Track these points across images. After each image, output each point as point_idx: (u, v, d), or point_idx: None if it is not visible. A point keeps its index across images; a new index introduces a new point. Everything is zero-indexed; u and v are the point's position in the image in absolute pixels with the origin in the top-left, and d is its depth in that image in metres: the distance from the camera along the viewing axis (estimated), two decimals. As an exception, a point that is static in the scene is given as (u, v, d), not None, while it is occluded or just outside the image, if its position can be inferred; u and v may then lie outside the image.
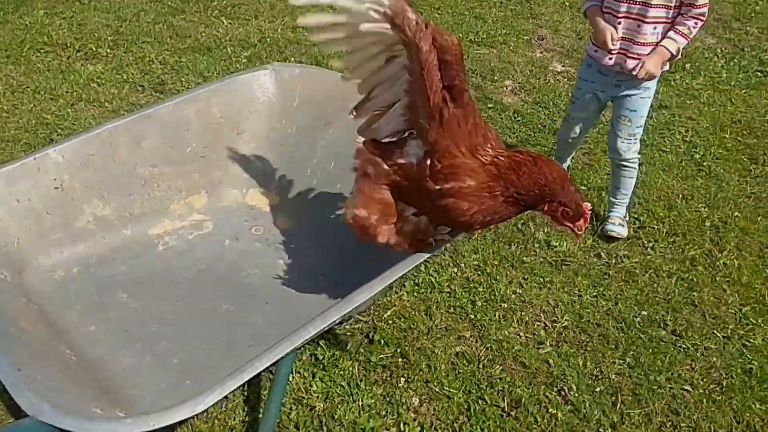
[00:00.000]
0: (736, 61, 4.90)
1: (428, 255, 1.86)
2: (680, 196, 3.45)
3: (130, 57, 4.31)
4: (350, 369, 2.30)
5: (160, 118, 2.38)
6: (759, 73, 4.81)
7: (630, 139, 2.86)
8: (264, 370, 1.55)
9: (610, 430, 2.21)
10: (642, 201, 3.37)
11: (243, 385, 1.56)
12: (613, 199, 3.09)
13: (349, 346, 2.39)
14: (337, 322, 1.78)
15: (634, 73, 2.63)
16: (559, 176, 1.59)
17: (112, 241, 2.27)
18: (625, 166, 2.95)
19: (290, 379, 2.23)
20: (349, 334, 2.45)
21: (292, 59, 4.40)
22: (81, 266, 2.18)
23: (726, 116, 4.31)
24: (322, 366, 2.31)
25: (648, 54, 2.63)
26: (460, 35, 5.22)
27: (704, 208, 3.37)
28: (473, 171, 1.58)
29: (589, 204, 1.65)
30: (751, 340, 2.59)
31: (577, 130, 3.08)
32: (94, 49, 4.37)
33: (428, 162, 1.63)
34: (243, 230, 2.45)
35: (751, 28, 5.38)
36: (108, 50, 4.37)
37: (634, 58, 2.65)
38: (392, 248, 1.83)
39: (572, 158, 3.45)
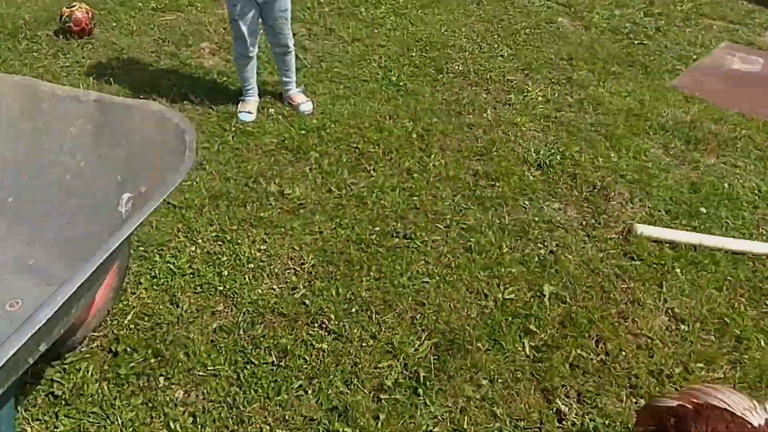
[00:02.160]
0: (406, -14, 5.39)
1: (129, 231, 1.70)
2: (387, 117, 3.75)
3: None
4: (99, 392, 2.11)
5: None
6: (427, -7, 5.36)
7: (289, 33, 3.54)
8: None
9: (372, 341, 2.39)
10: (357, 130, 3.59)
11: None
12: (288, 79, 3.76)
13: (91, 369, 2.18)
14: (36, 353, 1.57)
15: None
16: None
17: None
18: (289, 53, 3.65)
19: None
20: (88, 356, 2.23)
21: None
22: None
23: (410, 37, 4.76)
24: (64, 402, 2.08)
25: None
26: (140, 4, 4.89)
27: (409, 122, 3.72)
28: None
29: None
30: (466, 222, 2.98)
31: (249, 40, 3.47)
32: None
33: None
34: None
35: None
36: None
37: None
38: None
39: (257, 67, 3.74)
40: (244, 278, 2.62)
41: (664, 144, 3.67)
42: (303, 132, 3.55)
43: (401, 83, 4.13)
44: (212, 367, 2.25)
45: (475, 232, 2.92)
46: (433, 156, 3.43)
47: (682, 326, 2.51)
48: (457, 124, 3.73)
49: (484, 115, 3.85)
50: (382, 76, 4.19)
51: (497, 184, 3.24)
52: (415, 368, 2.27)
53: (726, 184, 3.32)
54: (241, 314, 2.46)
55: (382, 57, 4.43)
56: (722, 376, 2.33)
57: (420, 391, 2.19)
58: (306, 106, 3.76)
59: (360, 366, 2.28)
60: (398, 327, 2.44)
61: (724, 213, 3.12)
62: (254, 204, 3.02)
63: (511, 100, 4.02)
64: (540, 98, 4.06)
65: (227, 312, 2.48)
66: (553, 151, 3.51)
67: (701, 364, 2.36)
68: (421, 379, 2.23)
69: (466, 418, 2.11)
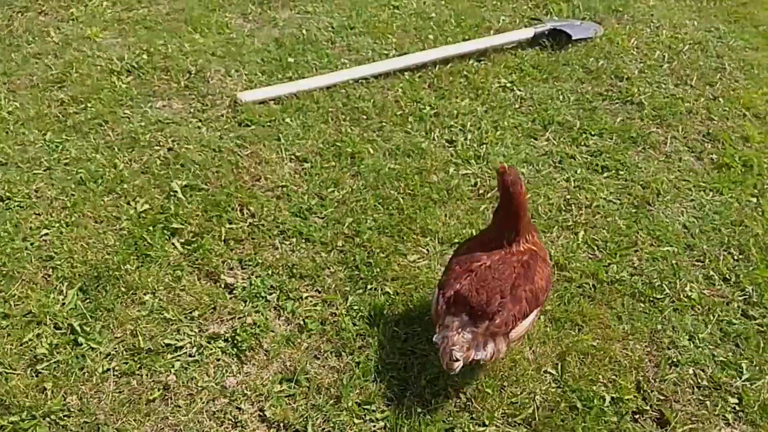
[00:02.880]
0: None
1: None
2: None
3: None
4: None
5: None
6: None
7: None
8: None
9: (4, 321, 2.06)
10: None
11: None
12: None
13: None
14: None
15: None
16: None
17: None
18: None
19: None
20: None
21: None
22: None
23: None
24: None
25: None
26: None
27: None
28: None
29: None
30: (68, 156, 2.67)
31: None
32: None
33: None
34: None
35: None
36: None
37: None
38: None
39: None
40: None
41: (242, 12, 3.74)
42: None
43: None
44: None
45: (81, 161, 2.65)
46: (2, 102, 2.92)
47: (306, 164, 2.73)
48: (20, 59, 3.21)
49: (48, 39, 3.37)
50: None
51: (89, 104, 2.94)
52: (67, 322, 2.05)
53: (304, 31, 3.58)
54: None
55: None
56: (350, 190, 2.63)
57: (81, 339, 2.01)
58: None
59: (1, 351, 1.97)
60: (32, 293, 2.15)
61: (310, 57, 3.39)
62: None
63: (73, 16, 3.59)
64: (105, 3, 3.71)
65: None
66: (137, 52, 3.29)
67: (332, 188, 2.63)
68: (78, 328, 2.03)
69: (140, 338, 2.02)
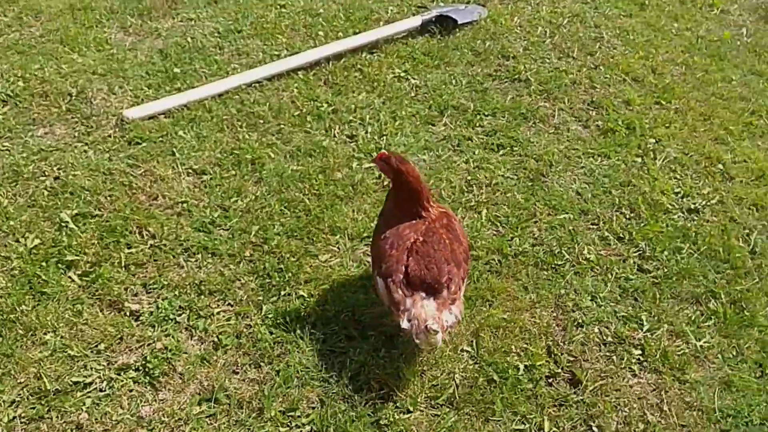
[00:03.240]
0: None
1: None
2: None
3: None
4: None
5: None
6: None
7: None
8: None
9: None
10: None
11: None
12: None
13: None
14: None
15: None
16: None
17: None
18: None
19: None
20: None
21: None
22: None
23: None
24: None
25: None
26: None
27: None
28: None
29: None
30: (-56, 198, 2.48)
31: None
32: None
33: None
34: None
35: None
36: None
37: None
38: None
39: None
40: None
41: (121, 26, 3.58)
42: None
43: None
44: None
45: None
46: None
47: (205, 177, 2.67)
48: None
49: None
50: None
51: (-40, 141, 2.74)
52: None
53: (189, 39, 3.48)
54: None
55: None
56: (254, 197, 2.59)
57: (-24, 393, 1.88)
58: None
59: None
60: None
61: (198, 65, 3.30)
62: None
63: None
64: (-31, 30, 3.46)
65: None
66: (11, 79, 3.09)
67: (235, 198, 2.58)
68: (-26, 382, 1.90)
69: (45, 379, 1.91)
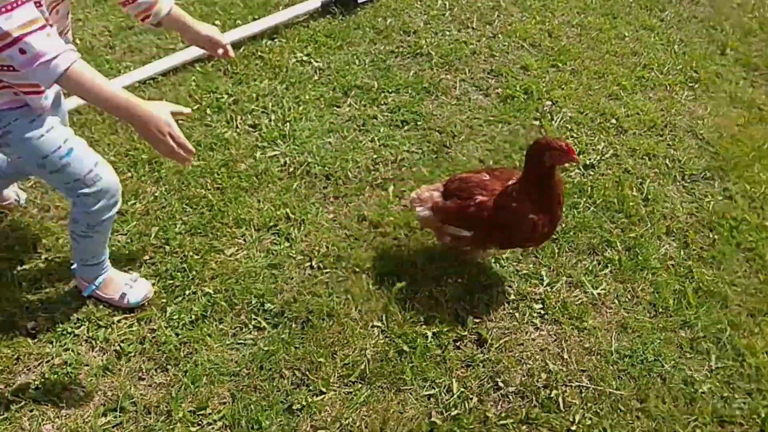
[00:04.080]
0: None
1: None
2: None
3: None
4: None
5: None
6: None
7: None
8: None
9: None
10: None
11: None
12: None
13: None
14: None
15: None
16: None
17: None
18: None
19: None
20: None
21: None
22: None
23: None
24: None
25: None
26: None
27: None
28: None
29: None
30: None
31: None
32: None
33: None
34: None
35: None
36: None
37: None
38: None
39: None
40: None
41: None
42: None
43: None
44: None
45: None
46: None
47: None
48: None
49: None
50: None
51: None
52: None
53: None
54: None
55: None
56: (153, 198, 2.52)
57: None
58: None
59: None
60: None
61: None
62: None
63: None
64: None
65: None
66: None
67: (132, 201, 2.50)
68: None
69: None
